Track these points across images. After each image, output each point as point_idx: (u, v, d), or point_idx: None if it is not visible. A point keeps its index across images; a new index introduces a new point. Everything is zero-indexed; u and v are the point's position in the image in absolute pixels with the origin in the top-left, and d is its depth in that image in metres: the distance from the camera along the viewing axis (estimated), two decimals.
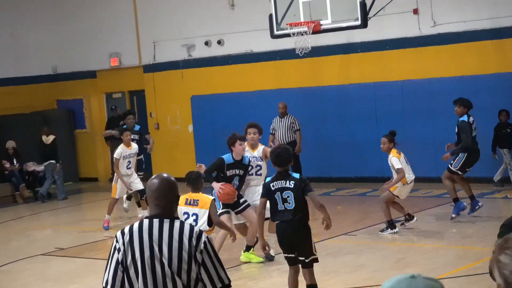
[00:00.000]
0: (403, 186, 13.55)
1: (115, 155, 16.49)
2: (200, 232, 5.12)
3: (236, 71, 21.37)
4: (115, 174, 16.44)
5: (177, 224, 5.11)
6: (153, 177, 5.26)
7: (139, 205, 16.99)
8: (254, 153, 12.47)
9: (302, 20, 15.74)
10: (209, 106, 21.70)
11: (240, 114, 21.10)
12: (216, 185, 11.63)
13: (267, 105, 20.03)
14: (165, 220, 5.11)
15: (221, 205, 11.68)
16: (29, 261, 14.14)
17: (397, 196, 13.56)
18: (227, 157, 12.12)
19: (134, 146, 16.77)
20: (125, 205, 17.35)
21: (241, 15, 21.06)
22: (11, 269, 13.64)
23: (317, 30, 15.71)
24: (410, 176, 13.58)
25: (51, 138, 21.17)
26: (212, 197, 10.58)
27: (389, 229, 13.43)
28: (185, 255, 5.03)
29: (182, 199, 10.06)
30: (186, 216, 10.29)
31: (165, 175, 5.27)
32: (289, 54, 18.94)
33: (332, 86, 19.84)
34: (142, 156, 18.26)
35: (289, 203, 9.03)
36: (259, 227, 9.61)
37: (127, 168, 16.41)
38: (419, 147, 18.30)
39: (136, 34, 23.33)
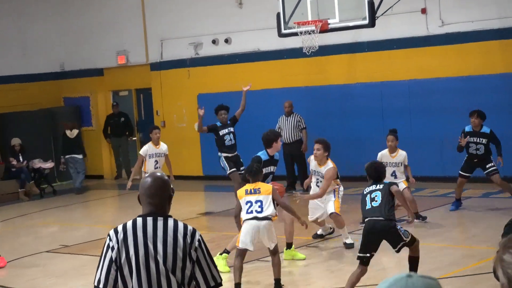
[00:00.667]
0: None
1: (140, 152, 16.22)
2: (194, 230, 5.15)
3: (243, 69, 21.37)
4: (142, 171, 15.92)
5: (171, 222, 5.12)
6: (146, 175, 5.30)
7: None
8: (321, 168, 12.64)
9: (309, 19, 15.75)
10: (215, 104, 21.60)
11: (246, 112, 21.06)
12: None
13: (274, 104, 20.03)
14: (159, 218, 5.12)
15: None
16: (35, 257, 14.17)
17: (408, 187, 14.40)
18: (262, 154, 12.20)
19: (163, 146, 16.23)
20: None
21: (249, 14, 21.06)
22: (17, 265, 13.67)
23: (325, 29, 15.72)
24: None
25: (75, 132, 21.96)
26: (271, 184, 10.83)
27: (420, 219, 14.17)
28: (180, 252, 5.03)
29: (242, 190, 10.49)
30: (249, 204, 10.38)
31: (158, 174, 5.30)
32: (296, 53, 18.94)
33: (338, 85, 19.83)
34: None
35: (376, 201, 9.58)
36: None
37: (155, 168, 15.96)
38: (425, 146, 18.30)
39: (144, 32, 23.35)
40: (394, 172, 14.26)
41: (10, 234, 16.74)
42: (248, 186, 10.53)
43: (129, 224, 5.12)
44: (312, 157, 12.82)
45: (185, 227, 5.12)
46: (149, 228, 5.08)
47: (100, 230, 16.03)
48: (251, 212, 10.34)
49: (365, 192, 9.79)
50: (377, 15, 15.49)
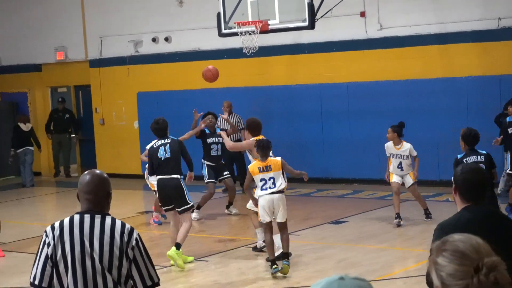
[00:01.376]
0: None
1: (147, 146, 15.53)
2: (132, 228, 5.15)
3: (183, 68, 21.33)
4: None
5: (108, 220, 5.12)
6: (85, 172, 5.27)
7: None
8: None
9: (250, 19, 15.77)
10: (155, 102, 21.61)
11: (186, 111, 21.05)
12: None
13: (214, 103, 19.99)
14: (96, 215, 5.11)
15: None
16: None
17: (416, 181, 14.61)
18: None
19: None
20: None
21: (189, 13, 21.02)
22: None
23: (265, 30, 15.76)
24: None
25: (29, 125, 22.20)
26: (279, 158, 11.40)
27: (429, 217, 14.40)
28: (116, 251, 5.03)
29: (254, 168, 11.27)
30: (263, 182, 11.25)
31: (97, 171, 5.29)
32: (236, 53, 18.97)
33: (279, 86, 19.91)
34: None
35: None
36: None
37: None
38: (365, 148, 18.47)
39: (83, 28, 23.15)
40: (400, 164, 14.41)
41: None
42: (260, 164, 11.29)
43: (66, 221, 5.10)
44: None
45: (123, 225, 5.12)
46: (86, 225, 5.06)
47: (37, 228, 15.85)
48: (266, 189, 11.24)
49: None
50: (317, 17, 15.60)
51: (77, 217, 5.11)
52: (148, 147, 13.01)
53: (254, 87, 20.26)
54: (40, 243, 5.09)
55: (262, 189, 11.27)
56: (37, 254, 5.07)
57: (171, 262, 12.06)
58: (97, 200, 5.15)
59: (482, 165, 11.10)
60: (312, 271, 11.42)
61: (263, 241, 12.45)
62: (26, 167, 22.30)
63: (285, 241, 11.38)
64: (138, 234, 5.13)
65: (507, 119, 15.03)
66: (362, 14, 18.69)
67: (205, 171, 15.93)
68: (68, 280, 5.00)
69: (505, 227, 5.06)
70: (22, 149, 22.08)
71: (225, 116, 16.86)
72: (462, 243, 3.00)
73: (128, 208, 17.05)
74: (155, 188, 13.21)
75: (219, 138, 15.73)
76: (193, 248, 13.24)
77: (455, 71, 17.76)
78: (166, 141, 12.60)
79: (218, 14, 16.16)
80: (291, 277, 11.14)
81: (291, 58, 19.75)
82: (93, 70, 22.98)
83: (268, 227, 11.33)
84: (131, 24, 22.08)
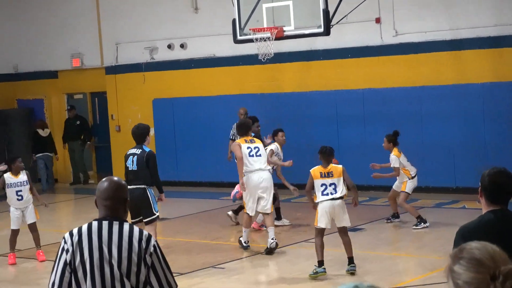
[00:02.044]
0: (410, 181, 14.72)
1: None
2: (149, 235, 5.18)
3: (198, 75, 21.37)
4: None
5: (126, 226, 5.15)
6: (103, 179, 5.30)
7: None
8: None
9: (265, 26, 15.77)
10: (170, 109, 21.67)
11: (201, 118, 21.12)
12: None
13: (228, 110, 20.05)
14: (114, 222, 5.15)
15: None
16: None
17: (409, 193, 14.77)
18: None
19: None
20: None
21: (205, 19, 21.07)
22: None
23: (280, 36, 15.75)
24: (412, 170, 14.87)
25: (47, 131, 22.90)
26: (341, 165, 11.76)
27: (422, 224, 14.38)
28: (134, 257, 5.06)
29: (316, 173, 11.60)
30: (324, 187, 11.53)
31: (115, 178, 5.32)
32: (251, 59, 18.99)
33: (293, 92, 19.92)
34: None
35: None
36: None
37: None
38: (380, 155, 18.41)
39: (99, 35, 23.24)
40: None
41: None
42: (322, 169, 11.60)
43: (85, 227, 5.14)
44: None
45: (141, 232, 5.15)
46: (104, 232, 5.10)
47: (54, 235, 15.90)
48: (327, 194, 11.47)
49: None
50: (332, 23, 15.58)
51: (95, 224, 5.15)
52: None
53: (268, 94, 20.27)
54: (59, 249, 5.12)
55: (322, 194, 11.55)
56: (55, 260, 5.10)
57: None
58: (115, 207, 5.18)
59: None
60: (327, 277, 11.41)
61: (247, 242, 13.30)
62: (46, 172, 22.80)
63: (348, 245, 11.58)
64: (156, 241, 5.15)
65: None
66: (377, 20, 18.68)
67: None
68: (87, 286, 5.04)
69: None
70: (41, 154, 22.74)
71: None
72: (478, 251, 3.00)
73: None
74: None
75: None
76: (208, 254, 13.24)
77: (469, 77, 17.72)
78: (136, 151, 12.39)
79: (234, 21, 16.18)
80: (307, 284, 11.13)
81: (306, 64, 19.76)
82: (109, 76, 23.06)
83: (321, 231, 11.53)
84: (147, 31, 22.16)
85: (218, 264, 12.68)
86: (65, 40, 23.71)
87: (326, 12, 15.21)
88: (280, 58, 18.74)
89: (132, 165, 12.25)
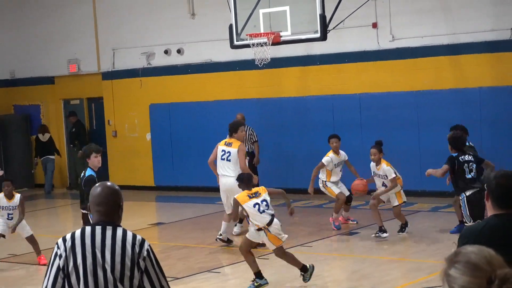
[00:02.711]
0: (402, 190, 14.44)
1: (324, 161, 15.18)
2: (143, 240, 5.17)
3: (196, 80, 21.38)
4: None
5: (119, 231, 5.14)
6: (96, 185, 5.29)
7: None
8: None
9: (262, 31, 15.79)
10: (167, 114, 21.67)
11: (198, 123, 21.12)
12: None
13: (226, 115, 20.01)
14: (107, 227, 5.13)
15: None
16: None
17: (404, 202, 14.43)
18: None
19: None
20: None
21: (201, 25, 21.08)
22: None
23: (277, 42, 15.78)
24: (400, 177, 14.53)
25: (47, 136, 23.55)
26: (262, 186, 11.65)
27: (383, 233, 14.06)
28: (128, 261, 5.05)
29: (244, 197, 11.11)
30: (257, 206, 11.10)
31: (108, 183, 5.32)
32: (248, 64, 19.00)
33: (290, 97, 19.93)
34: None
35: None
36: None
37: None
38: None
39: (96, 41, 23.24)
40: (383, 183, 14.34)
41: None
42: (248, 192, 11.24)
43: (78, 232, 5.13)
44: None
45: (134, 236, 5.14)
46: (98, 237, 5.09)
47: (49, 240, 15.85)
48: (263, 211, 11.05)
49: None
50: (329, 28, 15.61)
51: (88, 229, 5.13)
52: None
53: (266, 99, 20.27)
54: (52, 255, 5.11)
55: (260, 212, 11.07)
56: (48, 266, 5.08)
57: None
58: (108, 212, 5.17)
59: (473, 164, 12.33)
60: (324, 282, 11.41)
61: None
62: (47, 175, 23.54)
63: (291, 260, 11.43)
64: (149, 245, 5.14)
65: None
66: (374, 25, 18.70)
67: None
68: None
69: None
70: (43, 158, 23.42)
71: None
72: (474, 255, 3.00)
73: (140, 220, 17.08)
74: None
75: None
76: (205, 259, 13.24)
77: (467, 82, 17.73)
78: (83, 174, 12.24)
79: (230, 26, 16.20)
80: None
81: (303, 69, 19.77)
82: (106, 82, 23.06)
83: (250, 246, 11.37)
84: (144, 36, 22.16)
85: (214, 268, 12.66)
86: (62, 46, 23.70)
87: (323, 17, 15.24)
88: (278, 63, 18.76)
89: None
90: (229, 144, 14.24)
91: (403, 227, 14.33)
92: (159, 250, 14.75)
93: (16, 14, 24.51)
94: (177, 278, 12.17)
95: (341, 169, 15.37)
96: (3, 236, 13.94)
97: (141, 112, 22.30)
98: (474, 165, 12.41)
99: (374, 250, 13.37)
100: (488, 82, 17.49)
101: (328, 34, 15.59)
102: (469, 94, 17.64)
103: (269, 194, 11.32)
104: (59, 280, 5.03)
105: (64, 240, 5.12)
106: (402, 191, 14.43)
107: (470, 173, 12.34)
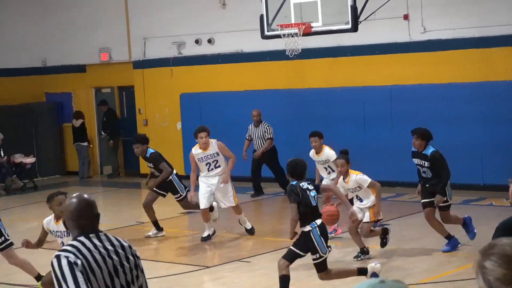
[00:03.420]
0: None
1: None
2: (130, 243, 5.30)
3: (226, 70, 21.44)
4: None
5: (111, 236, 5.24)
6: (71, 197, 5.29)
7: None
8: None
9: (293, 21, 15.78)
10: (198, 104, 21.75)
11: (228, 112, 21.17)
12: None
13: (255, 105, 20.08)
14: (100, 234, 5.18)
15: None
16: (15, 252, 14.16)
17: (379, 220, 12.49)
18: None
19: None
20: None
21: (232, 15, 21.12)
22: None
23: (308, 32, 15.75)
24: None
25: (80, 121, 23.79)
26: None
27: (366, 255, 12.32)
28: (133, 262, 5.20)
29: None
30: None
31: (84, 195, 5.31)
32: (278, 55, 18.99)
33: (320, 88, 19.92)
34: None
35: None
36: None
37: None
38: (407, 151, 18.37)
39: (127, 30, 23.36)
40: (358, 196, 12.33)
41: None
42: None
43: (79, 244, 5.08)
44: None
45: (121, 239, 5.26)
46: (105, 242, 5.13)
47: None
48: None
49: None
50: (359, 20, 15.58)
51: (86, 240, 5.10)
52: None
53: (295, 89, 20.28)
54: (63, 269, 4.96)
55: None
56: (65, 277, 4.94)
57: None
58: (90, 223, 5.18)
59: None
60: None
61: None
62: (79, 161, 23.80)
63: None
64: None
65: None
66: (405, 17, 18.63)
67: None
68: None
69: None
70: (75, 144, 23.72)
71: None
72: (510, 247, 3.02)
73: (171, 208, 17.15)
74: None
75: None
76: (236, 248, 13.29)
77: (497, 75, 17.64)
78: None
79: (261, 16, 16.21)
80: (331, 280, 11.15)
81: (333, 60, 19.76)
82: (137, 71, 23.18)
83: None
84: (174, 26, 22.24)
85: (244, 258, 12.73)
86: (93, 35, 23.85)
87: (354, 8, 15.21)
88: (308, 54, 18.75)
89: None
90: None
91: (360, 252, 12.25)
92: (189, 239, 14.88)
93: (48, 2, 24.68)
94: (207, 267, 12.28)
95: (329, 169, 14.11)
96: None
97: (171, 102, 22.39)
98: None
99: (403, 242, 13.37)
100: None
101: (359, 25, 15.56)
102: (498, 87, 17.55)
103: None
104: (84, 281, 4.97)
105: (72, 252, 5.03)
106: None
107: None
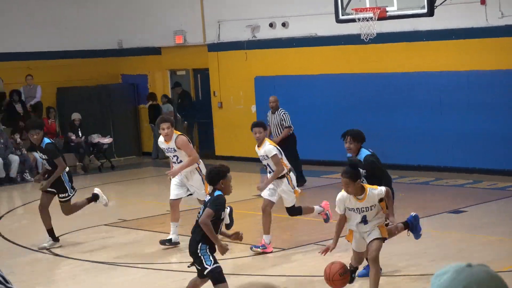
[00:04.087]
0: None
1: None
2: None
3: (300, 54, 21.50)
4: None
5: None
6: None
7: None
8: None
9: (367, 5, 15.75)
10: (272, 87, 21.87)
11: (302, 96, 21.27)
12: None
13: (329, 89, 20.18)
14: None
15: None
16: (93, 230, 14.58)
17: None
18: None
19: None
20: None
21: None
22: (76, 237, 14.07)
23: (383, 17, 15.71)
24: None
25: (149, 103, 24.34)
26: None
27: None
28: None
29: None
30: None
31: None
32: (353, 39, 18.99)
33: (395, 73, 19.85)
34: None
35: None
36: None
37: None
38: (485, 138, 18.25)
39: (201, 13, 23.57)
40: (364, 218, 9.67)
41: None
42: None
43: None
44: None
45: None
46: None
47: (156, 207, 16.38)
48: None
49: None
50: (436, 4, 15.48)
51: None
52: None
53: (370, 74, 20.25)
54: None
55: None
56: None
57: None
58: None
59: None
60: (431, 259, 11.47)
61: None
62: (154, 142, 23.67)
63: None
64: None
65: None
66: (483, 2, 18.42)
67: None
68: None
69: None
70: (150, 124, 24.03)
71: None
72: None
73: (246, 191, 17.37)
74: None
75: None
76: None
77: None
78: None
79: (336, 0, 16.21)
80: (410, 263, 11.21)
81: (409, 45, 19.66)
82: (211, 54, 23.41)
83: None
84: (249, 9, 22.38)
85: (320, 241, 12.83)
86: (168, 17, 24.13)
87: None
88: (383, 38, 18.69)
89: None
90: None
91: (353, 270, 10.27)
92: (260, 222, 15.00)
93: None
94: (283, 249, 12.42)
95: (268, 167, 12.62)
96: None
97: (246, 84, 22.56)
98: None
99: (482, 229, 13.30)
100: None
101: (435, 10, 15.47)
102: None
103: None
104: None
105: None
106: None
107: None
